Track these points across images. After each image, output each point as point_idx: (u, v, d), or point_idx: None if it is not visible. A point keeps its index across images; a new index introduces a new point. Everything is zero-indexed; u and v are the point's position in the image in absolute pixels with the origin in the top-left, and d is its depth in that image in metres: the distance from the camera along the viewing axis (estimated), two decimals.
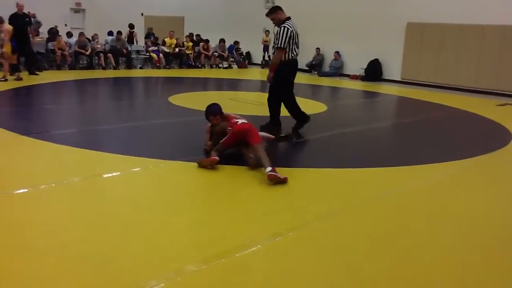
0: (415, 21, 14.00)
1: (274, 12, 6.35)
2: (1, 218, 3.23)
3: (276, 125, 6.53)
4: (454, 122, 8.38)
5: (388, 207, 3.81)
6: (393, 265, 2.79)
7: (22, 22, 10.89)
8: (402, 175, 4.76)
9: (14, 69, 10.45)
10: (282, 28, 6.15)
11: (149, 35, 17.11)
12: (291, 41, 6.17)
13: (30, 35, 11.43)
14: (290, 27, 6.15)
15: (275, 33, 6.29)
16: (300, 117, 6.59)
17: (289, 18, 6.32)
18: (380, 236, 3.23)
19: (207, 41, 16.92)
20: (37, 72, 11.70)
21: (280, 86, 6.42)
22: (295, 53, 6.31)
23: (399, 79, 14.60)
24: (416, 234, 3.30)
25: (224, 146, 4.81)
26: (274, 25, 6.47)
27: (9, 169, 4.35)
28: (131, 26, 16.24)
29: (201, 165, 4.54)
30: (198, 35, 17.50)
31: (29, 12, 11.54)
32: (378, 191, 4.20)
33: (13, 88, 9.33)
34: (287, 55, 6.23)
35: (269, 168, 4.20)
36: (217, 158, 4.60)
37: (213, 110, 5.09)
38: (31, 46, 11.57)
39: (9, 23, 10.53)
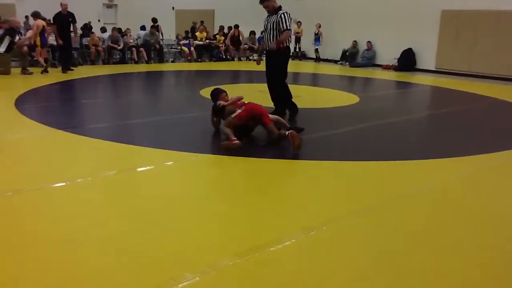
0: (450, 9, 13.60)
1: (268, 0, 6.44)
2: (41, 211, 3.34)
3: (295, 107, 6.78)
4: (492, 112, 8.11)
5: (425, 202, 3.73)
6: (430, 262, 2.72)
7: (66, 21, 11.37)
8: (440, 168, 4.63)
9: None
10: (286, 14, 6.41)
11: (193, 29, 17.27)
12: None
13: (73, 33, 11.85)
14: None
15: (273, 21, 6.42)
16: (291, 106, 6.84)
17: (280, 7, 6.50)
18: (417, 231, 3.15)
19: (236, 26, 16.57)
20: (72, 68, 12.02)
21: (284, 70, 6.66)
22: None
23: (434, 69, 14.22)
24: (455, 230, 3.20)
25: (236, 120, 5.09)
26: (268, 12, 6.59)
27: (47, 163, 4.47)
28: (155, 20, 16.22)
29: (227, 148, 4.82)
30: (230, 27, 17.46)
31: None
32: (416, 185, 4.11)
33: (49, 84, 9.59)
34: (287, 41, 6.49)
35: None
36: (239, 142, 4.83)
37: (218, 91, 5.63)
38: (71, 44, 12.03)
39: (53, 22, 11.34)
